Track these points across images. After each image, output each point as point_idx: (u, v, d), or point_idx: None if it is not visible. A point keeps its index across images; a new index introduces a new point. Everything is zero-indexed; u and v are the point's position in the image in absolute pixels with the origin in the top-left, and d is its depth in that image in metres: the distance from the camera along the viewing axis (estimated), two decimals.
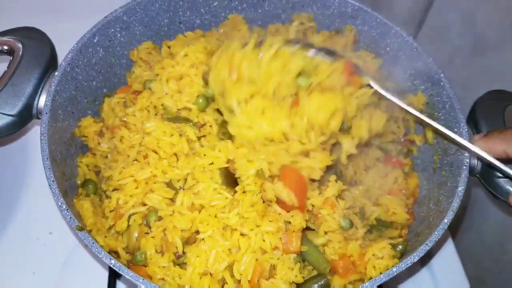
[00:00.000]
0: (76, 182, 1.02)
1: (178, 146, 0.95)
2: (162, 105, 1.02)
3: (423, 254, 0.82)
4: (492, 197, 0.99)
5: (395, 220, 1.05)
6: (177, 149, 0.96)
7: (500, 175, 0.97)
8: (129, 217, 0.92)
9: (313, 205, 0.96)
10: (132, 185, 0.93)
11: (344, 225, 0.95)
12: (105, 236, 0.90)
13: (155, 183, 0.93)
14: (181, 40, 1.18)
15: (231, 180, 0.93)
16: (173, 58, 1.07)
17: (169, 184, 0.95)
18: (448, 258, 1.21)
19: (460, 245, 1.45)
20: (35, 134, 1.31)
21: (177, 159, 0.96)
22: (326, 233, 0.95)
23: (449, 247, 1.23)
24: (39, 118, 0.98)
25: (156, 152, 0.96)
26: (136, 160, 0.97)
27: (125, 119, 1.00)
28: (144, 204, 0.92)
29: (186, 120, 1.00)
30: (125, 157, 0.97)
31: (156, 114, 1.02)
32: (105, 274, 1.12)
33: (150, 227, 0.91)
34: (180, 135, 0.97)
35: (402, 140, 1.18)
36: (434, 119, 1.11)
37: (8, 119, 0.95)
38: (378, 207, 1.04)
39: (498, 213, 1.38)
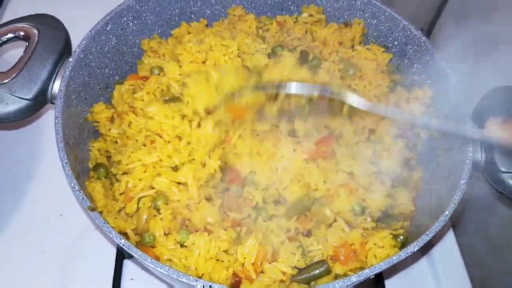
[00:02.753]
0: (88, 166, 1.05)
1: (180, 128, 0.98)
2: (167, 86, 1.04)
3: (422, 244, 0.83)
4: (495, 192, 1.00)
5: (402, 211, 1.06)
6: (180, 131, 0.98)
7: (504, 169, 0.97)
8: (139, 199, 0.94)
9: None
10: (140, 169, 0.95)
11: (357, 209, 0.97)
12: (115, 218, 0.93)
13: (161, 167, 0.96)
14: (185, 27, 1.21)
15: None
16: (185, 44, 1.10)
17: (175, 169, 0.98)
18: (448, 249, 1.24)
19: (466, 245, 1.45)
20: (48, 119, 1.34)
21: (180, 141, 0.98)
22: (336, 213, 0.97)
23: (449, 238, 1.25)
24: (53, 103, 1.01)
25: (160, 136, 0.98)
26: (144, 145, 0.99)
27: (133, 104, 1.03)
28: (153, 187, 0.95)
29: (180, 100, 1.02)
30: (134, 142, 1.00)
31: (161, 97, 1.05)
32: (112, 256, 1.16)
33: (158, 210, 0.94)
34: (183, 118, 0.99)
35: (408, 133, 1.19)
36: (439, 113, 1.14)
37: (23, 103, 0.98)
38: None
39: (505, 212, 1.38)
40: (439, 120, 0.96)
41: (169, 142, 0.97)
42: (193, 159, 0.98)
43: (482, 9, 1.32)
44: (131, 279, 1.16)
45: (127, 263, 1.17)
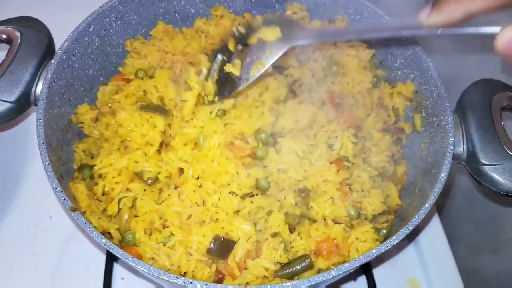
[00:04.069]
0: (73, 167, 1.05)
1: (149, 136, 0.97)
2: (144, 91, 1.04)
3: (402, 237, 0.84)
4: (477, 184, 1.01)
5: (389, 204, 1.07)
6: (149, 139, 0.98)
7: (485, 162, 0.98)
8: (120, 200, 0.95)
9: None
10: (113, 173, 0.96)
11: (353, 214, 0.98)
12: (99, 218, 0.93)
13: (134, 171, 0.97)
14: (163, 26, 1.22)
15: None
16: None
17: (138, 175, 0.98)
18: (434, 234, 1.25)
19: (459, 236, 1.46)
20: (34, 121, 1.34)
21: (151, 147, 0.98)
22: (335, 223, 0.97)
23: (435, 224, 1.26)
24: (37, 105, 1.01)
25: (130, 141, 0.98)
26: (119, 148, 1.00)
27: (111, 106, 1.03)
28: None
29: (158, 109, 1.00)
30: (111, 144, 1.00)
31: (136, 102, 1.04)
32: (103, 256, 1.16)
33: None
34: (155, 127, 0.99)
35: (392, 128, 1.20)
36: (421, 107, 1.14)
37: (6, 106, 0.99)
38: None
39: (495, 203, 1.39)
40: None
41: (138, 149, 0.97)
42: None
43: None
44: (122, 278, 1.16)
45: (118, 263, 1.17)
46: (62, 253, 1.18)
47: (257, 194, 0.97)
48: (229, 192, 0.94)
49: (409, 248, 1.23)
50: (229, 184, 0.94)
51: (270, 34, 0.89)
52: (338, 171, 0.99)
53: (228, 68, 0.94)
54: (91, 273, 1.15)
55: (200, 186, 0.96)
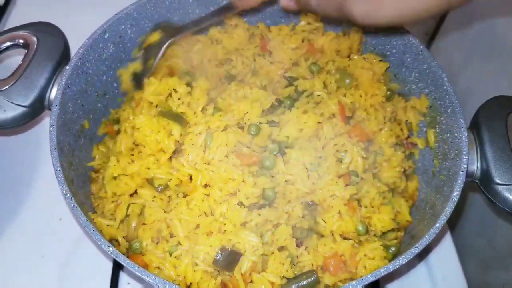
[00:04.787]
0: (82, 172, 1.06)
1: (164, 143, 0.97)
2: (166, 97, 1.04)
3: (412, 257, 0.83)
4: (490, 203, 0.99)
5: (399, 221, 1.05)
6: (163, 146, 0.97)
7: (499, 181, 0.96)
8: (129, 205, 0.95)
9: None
10: (124, 178, 0.96)
11: (361, 230, 0.96)
12: (108, 225, 0.94)
13: (143, 178, 0.97)
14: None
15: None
16: None
17: (149, 181, 0.98)
18: (445, 253, 1.22)
19: (470, 251, 1.44)
20: (47, 124, 1.36)
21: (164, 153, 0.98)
22: (344, 238, 0.96)
23: (447, 242, 1.23)
24: (50, 110, 1.03)
25: (144, 147, 0.99)
26: (133, 152, 1.00)
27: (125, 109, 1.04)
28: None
29: (176, 117, 1.00)
30: (127, 149, 1.01)
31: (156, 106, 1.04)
32: (110, 260, 1.17)
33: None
34: (171, 135, 0.98)
35: (404, 143, 1.18)
36: (435, 123, 1.12)
37: (21, 110, 1.01)
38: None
39: (507, 222, 1.37)
40: None
41: (151, 155, 0.97)
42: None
43: (483, 16, 1.30)
44: (128, 283, 1.16)
45: (125, 268, 1.18)
46: (71, 254, 1.19)
47: (263, 204, 0.96)
48: (237, 203, 0.93)
49: (420, 266, 1.21)
50: (236, 193, 0.94)
51: (154, 37, 1.11)
52: (346, 185, 0.98)
53: (132, 68, 1.12)
54: (98, 276, 1.15)
55: (208, 195, 0.96)
